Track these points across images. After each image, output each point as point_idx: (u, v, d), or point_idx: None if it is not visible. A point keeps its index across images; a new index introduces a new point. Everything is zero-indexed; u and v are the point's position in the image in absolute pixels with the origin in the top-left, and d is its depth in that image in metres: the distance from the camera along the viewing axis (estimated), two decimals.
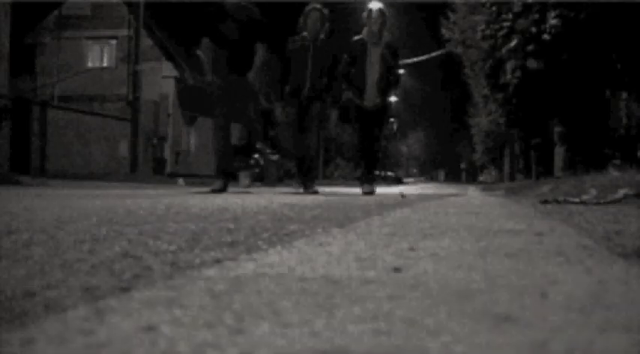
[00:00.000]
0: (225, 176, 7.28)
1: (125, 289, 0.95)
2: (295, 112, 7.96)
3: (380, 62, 8.27)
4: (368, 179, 8.51)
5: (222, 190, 7.11)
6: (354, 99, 8.38)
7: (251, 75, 7.29)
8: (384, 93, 8.46)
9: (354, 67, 8.27)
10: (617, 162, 12.18)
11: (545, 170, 18.53)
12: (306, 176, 8.07)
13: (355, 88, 8.35)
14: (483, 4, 14.87)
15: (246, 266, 1.18)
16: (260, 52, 7.35)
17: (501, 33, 13.81)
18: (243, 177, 7.39)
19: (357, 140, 8.71)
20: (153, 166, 25.51)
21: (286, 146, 7.96)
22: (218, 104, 7.25)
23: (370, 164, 8.61)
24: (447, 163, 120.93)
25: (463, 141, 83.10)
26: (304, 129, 7.97)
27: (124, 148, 21.42)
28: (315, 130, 8.03)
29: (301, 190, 7.89)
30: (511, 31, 13.54)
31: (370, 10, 8.30)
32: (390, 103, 9.44)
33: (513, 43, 13.48)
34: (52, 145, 17.80)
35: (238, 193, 7.04)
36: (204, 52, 7.28)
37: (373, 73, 8.30)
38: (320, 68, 7.97)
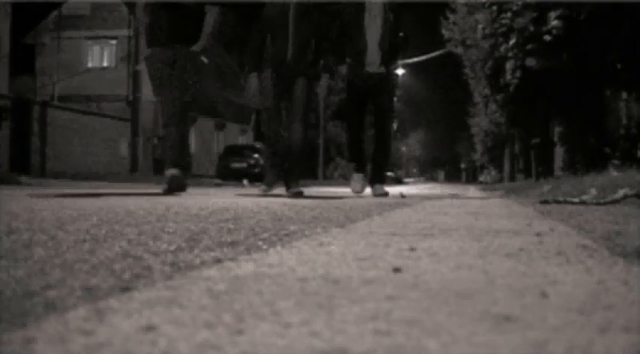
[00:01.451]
0: (184, 171, 5.71)
1: (125, 289, 0.95)
2: (275, 91, 6.27)
3: (382, 18, 6.67)
4: (378, 179, 7.00)
5: (177, 188, 5.59)
6: (351, 65, 6.77)
7: (198, 47, 5.75)
8: (388, 59, 6.78)
9: (350, 25, 6.69)
10: (617, 162, 12.19)
11: (545, 170, 18.55)
12: (289, 174, 6.44)
13: (352, 51, 6.75)
14: (483, 4, 14.88)
15: (246, 266, 1.18)
16: (211, 17, 5.74)
17: (501, 30, 13.82)
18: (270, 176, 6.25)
19: (349, 125, 7.09)
20: (153, 166, 25.51)
21: (267, 133, 6.40)
22: (164, 80, 5.76)
23: (381, 157, 7.04)
24: (447, 163, 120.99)
25: (463, 141, 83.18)
26: (288, 114, 6.36)
27: (124, 148, 21.43)
28: (300, 119, 6.27)
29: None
30: (510, 29, 13.55)
31: None
32: (396, 73, 7.42)
33: (512, 41, 13.49)
34: (52, 145, 17.80)
35: (239, 193, 7.02)
36: (139, 15, 6.00)
37: (375, 31, 6.68)
38: (305, 34, 6.23)
